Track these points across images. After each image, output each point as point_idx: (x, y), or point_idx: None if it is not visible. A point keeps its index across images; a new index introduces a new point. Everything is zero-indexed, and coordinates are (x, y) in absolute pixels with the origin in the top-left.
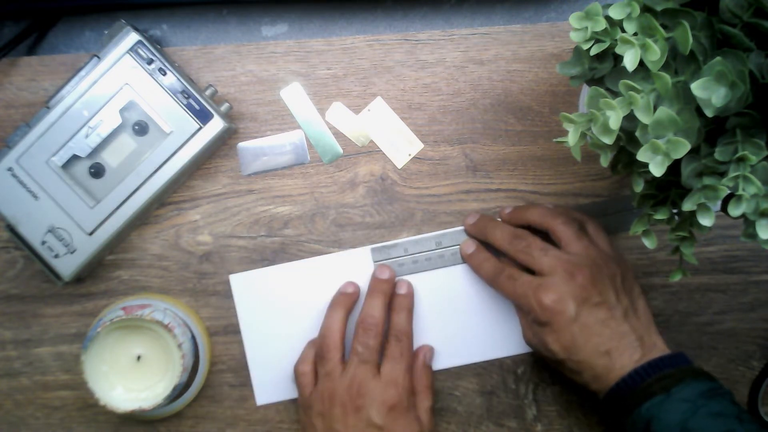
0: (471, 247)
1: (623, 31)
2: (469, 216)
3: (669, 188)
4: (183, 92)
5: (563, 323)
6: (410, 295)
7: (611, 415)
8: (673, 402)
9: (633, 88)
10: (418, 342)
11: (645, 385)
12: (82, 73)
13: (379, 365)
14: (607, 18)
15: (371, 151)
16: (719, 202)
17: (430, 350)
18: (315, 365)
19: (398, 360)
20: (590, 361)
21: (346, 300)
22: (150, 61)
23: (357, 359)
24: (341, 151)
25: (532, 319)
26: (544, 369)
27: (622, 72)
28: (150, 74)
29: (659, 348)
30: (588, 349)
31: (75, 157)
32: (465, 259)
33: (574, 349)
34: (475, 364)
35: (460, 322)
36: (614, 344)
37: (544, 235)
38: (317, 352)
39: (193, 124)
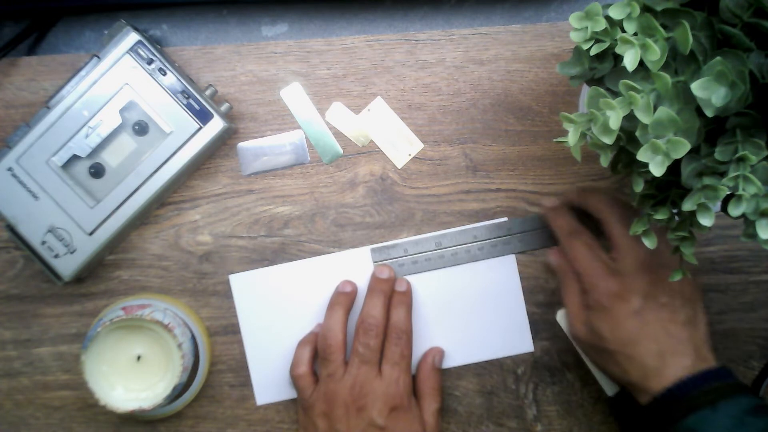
0: (554, 201)
1: (623, 31)
2: (546, 199)
3: (669, 188)
4: (183, 92)
5: (623, 313)
6: (409, 292)
7: (652, 420)
8: (719, 417)
9: (633, 88)
10: (419, 343)
11: (691, 396)
12: (82, 73)
13: (381, 364)
14: (607, 18)
15: (371, 151)
16: (719, 202)
17: (440, 353)
18: (311, 366)
19: (398, 361)
20: (643, 359)
21: (345, 299)
22: (150, 61)
23: (358, 360)
24: (341, 151)
25: (591, 299)
26: (544, 369)
27: (622, 72)
28: (150, 74)
29: (710, 362)
30: (643, 346)
31: (75, 157)
32: (544, 211)
33: (629, 343)
34: (475, 364)
35: (459, 322)
36: (669, 348)
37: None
38: (320, 353)
39: (193, 124)
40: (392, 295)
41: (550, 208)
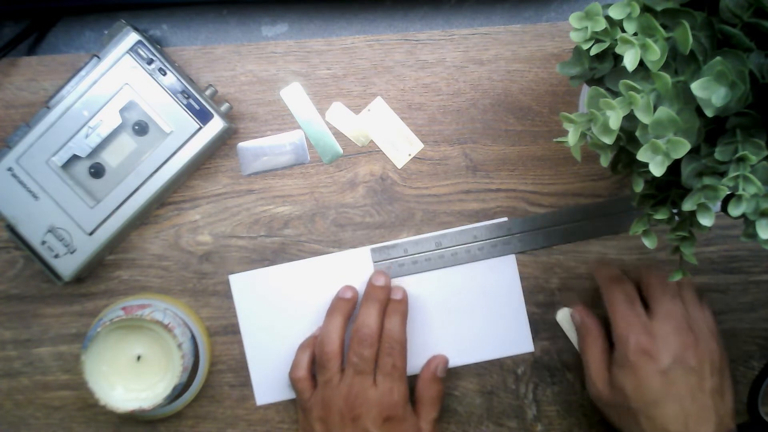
0: (602, 260)
1: (623, 31)
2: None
3: (669, 188)
4: (183, 92)
5: (650, 371)
6: (404, 301)
7: None
8: None
9: (633, 88)
10: (419, 344)
11: None
12: (82, 73)
13: (376, 374)
14: (607, 18)
15: (371, 151)
16: (719, 202)
17: (444, 362)
18: (310, 369)
19: (390, 371)
20: (664, 422)
21: (344, 306)
22: (150, 61)
23: (353, 370)
24: (341, 151)
25: (618, 353)
26: (544, 369)
27: (622, 72)
28: (150, 74)
29: (730, 428)
30: (666, 407)
31: (75, 157)
32: (592, 265)
33: (652, 403)
34: (475, 364)
35: (459, 322)
36: (693, 413)
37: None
38: (317, 360)
39: (193, 124)
40: (388, 303)
41: (598, 261)
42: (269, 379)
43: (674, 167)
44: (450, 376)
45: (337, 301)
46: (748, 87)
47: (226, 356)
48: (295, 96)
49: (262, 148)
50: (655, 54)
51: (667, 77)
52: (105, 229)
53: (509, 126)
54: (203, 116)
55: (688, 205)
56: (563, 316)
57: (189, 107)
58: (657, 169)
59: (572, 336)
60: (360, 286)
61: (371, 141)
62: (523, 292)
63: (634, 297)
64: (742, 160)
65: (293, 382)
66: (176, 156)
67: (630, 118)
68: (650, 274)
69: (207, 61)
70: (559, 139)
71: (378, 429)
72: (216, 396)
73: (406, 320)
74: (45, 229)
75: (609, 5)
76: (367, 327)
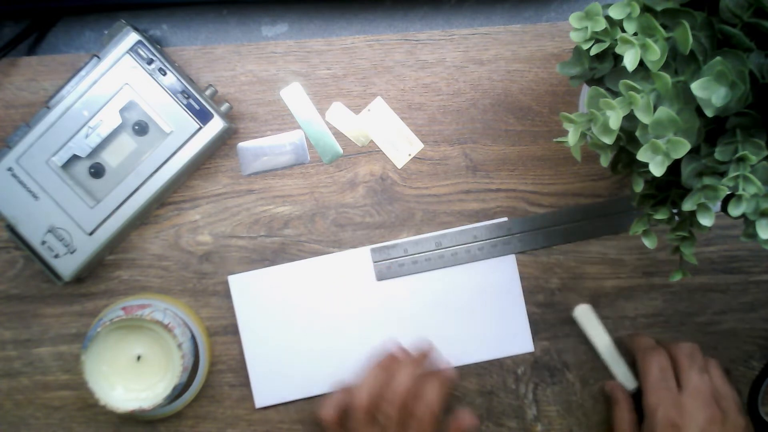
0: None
1: (623, 31)
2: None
3: (669, 188)
4: (183, 92)
5: None
6: (451, 378)
7: None
8: None
9: (633, 88)
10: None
11: None
12: (82, 73)
13: None
14: (607, 18)
15: (371, 151)
16: (719, 202)
17: (474, 425)
18: (339, 413)
19: None
20: None
21: (391, 364)
22: (150, 61)
23: (378, 427)
24: (341, 151)
25: (646, 427)
26: (544, 369)
27: (622, 72)
28: (150, 74)
29: None
30: None
31: (75, 157)
32: (628, 336)
33: None
34: (475, 364)
35: (459, 322)
36: None
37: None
38: (348, 403)
39: (193, 124)
40: (430, 371)
41: (635, 333)
42: (269, 382)
43: (674, 167)
44: None
45: (387, 357)
46: (748, 87)
47: (226, 356)
48: (295, 96)
49: (262, 148)
50: (655, 54)
51: (667, 77)
52: (105, 229)
53: (509, 126)
54: (203, 116)
55: (688, 205)
56: (581, 312)
57: (189, 107)
58: (657, 169)
59: (589, 332)
60: (360, 286)
61: (371, 141)
62: (523, 292)
63: (667, 369)
64: (742, 160)
65: (320, 419)
66: (176, 156)
67: (630, 118)
68: (679, 347)
69: (207, 61)
70: (559, 139)
71: None
72: (216, 396)
73: (445, 393)
74: (45, 229)
75: (609, 5)
76: (399, 386)
